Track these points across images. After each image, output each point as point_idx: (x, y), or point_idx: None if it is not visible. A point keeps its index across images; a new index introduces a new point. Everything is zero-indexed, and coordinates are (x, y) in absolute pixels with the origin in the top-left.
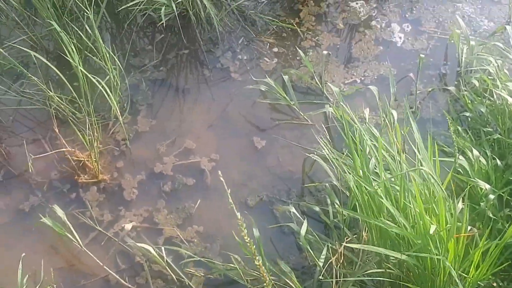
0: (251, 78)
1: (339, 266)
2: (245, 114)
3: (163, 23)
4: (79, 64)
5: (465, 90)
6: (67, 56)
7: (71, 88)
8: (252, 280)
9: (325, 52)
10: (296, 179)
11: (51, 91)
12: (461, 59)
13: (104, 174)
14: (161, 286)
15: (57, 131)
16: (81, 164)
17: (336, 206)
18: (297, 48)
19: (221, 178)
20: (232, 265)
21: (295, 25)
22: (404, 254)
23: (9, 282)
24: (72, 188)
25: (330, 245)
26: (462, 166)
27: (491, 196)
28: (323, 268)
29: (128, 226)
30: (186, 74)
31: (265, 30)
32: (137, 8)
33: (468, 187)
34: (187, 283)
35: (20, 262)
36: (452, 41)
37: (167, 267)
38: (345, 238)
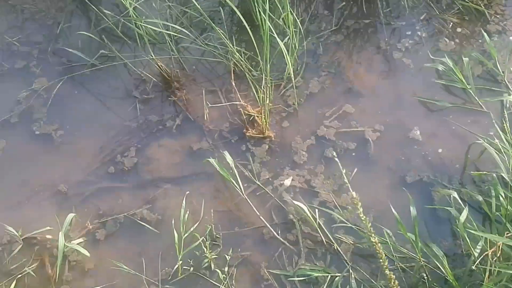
0: (429, 56)
1: (495, 260)
2: (417, 91)
3: None
4: (265, 23)
5: None
6: (252, 15)
7: (255, 45)
8: (401, 257)
9: None
10: (461, 165)
11: (233, 46)
12: None
13: (270, 131)
14: (310, 246)
15: (233, 84)
16: (250, 119)
17: (501, 199)
18: (482, 31)
19: None
20: (383, 238)
21: (483, 7)
22: None
23: (175, 216)
24: (239, 140)
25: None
26: None
27: None
28: (477, 259)
29: (287, 182)
30: (362, 44)
31: (449, 8)
32: None
33: None
34: (335, 248)
35: (184, 199)
36: None
37: (318, 229)
38: (505, 233)
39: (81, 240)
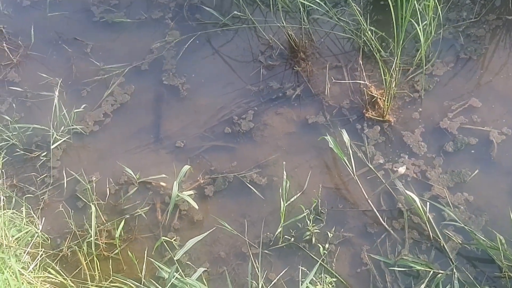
0: None
1: None
2: None
3: None
4: (405, 5)
5: None
6: None
7: (389, 26)
8: (510, 266)
9: None
10: None
11: (366, 24)
12: None
13: (390, 115)
14: (415, 237)
15: (360, 63)
16: (372, 100)
17: None
18: None
19: None
20: (494, 243)
21: None
22: None
23: (282, 184)
24: (357, 120)
25: None
26: None
27: None
28: None
29: (402, 169)
30: (502, 41)
31: None
32: None
33: None
34: (441, 245)
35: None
36: None
37: (426, 222)
38: None
39: (191, 192)
